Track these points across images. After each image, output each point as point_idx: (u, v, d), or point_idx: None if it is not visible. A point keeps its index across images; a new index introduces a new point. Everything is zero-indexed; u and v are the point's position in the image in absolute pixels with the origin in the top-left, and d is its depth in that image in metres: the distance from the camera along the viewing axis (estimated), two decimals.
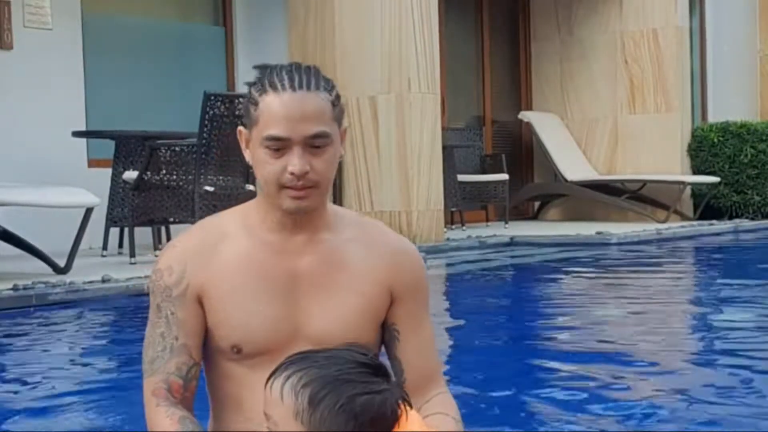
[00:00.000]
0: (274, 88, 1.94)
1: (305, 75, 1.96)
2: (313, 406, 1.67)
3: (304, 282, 2.03)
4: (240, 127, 2.02)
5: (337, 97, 1.99)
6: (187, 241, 2.05)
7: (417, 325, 2.09)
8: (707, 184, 11.40)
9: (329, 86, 1.98)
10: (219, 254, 2.02)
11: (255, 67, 2.03)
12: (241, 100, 6.87)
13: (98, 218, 6.78)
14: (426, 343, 2.10)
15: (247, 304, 2.01)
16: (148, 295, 2.07)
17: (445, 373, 3.28)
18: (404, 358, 2.09)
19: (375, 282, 2.05)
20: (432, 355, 2.13)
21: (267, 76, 1.96)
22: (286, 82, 1.94)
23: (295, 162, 1.93)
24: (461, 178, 10.13)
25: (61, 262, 6.03)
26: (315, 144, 1.94)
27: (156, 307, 2.01)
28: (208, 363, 2.06)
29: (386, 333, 2.08)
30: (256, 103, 1.95)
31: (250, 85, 1.99)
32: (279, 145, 1.93)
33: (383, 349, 2.10)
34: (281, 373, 1.72)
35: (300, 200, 1.96)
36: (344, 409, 1.66)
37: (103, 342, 4.52)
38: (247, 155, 2.01)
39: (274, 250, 2.02)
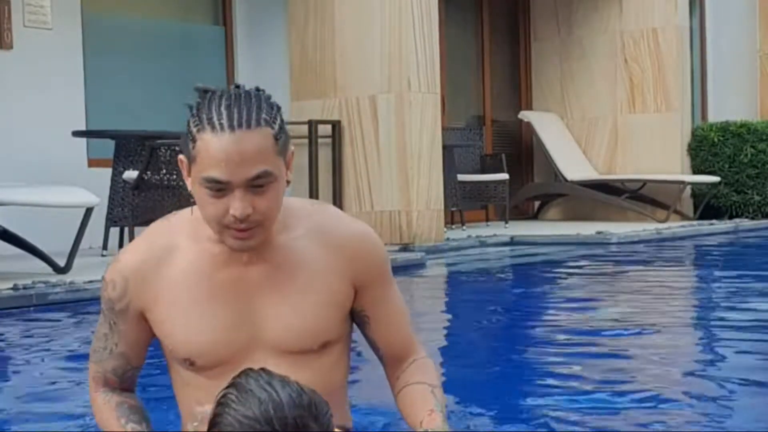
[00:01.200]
0: (212, 126, 1.84)
1: (245, 108, 1.86)
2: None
3: (258, 290, 1.99)
4: (180, 156, 1.94)
5: (281, 127, 1.90)
6: (132, 255, 2.02)
7: (384, 305, 2.10)
8: (707, 184, 11.40)
9: (271, 116, 1.88)
10: (163, 271, 2.00)
11: (195, 88, 1.94)
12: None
13: (98, 218, 6.78)
14: (396, 319, 2.11)
15: (193, 319, 1.98)
16: None
17: (443, 373, 3.28)
18: (377, 337, 2.11)
19: (335, 277, 2.02)
20: (404, 329, 2.14)
21: (205, 109, 1.87)
22: (225, 120, 1.84)
23: (236, 206, 1.86)
24: (461, 177, 10.12)
25: (61, 262, 6.03)
26: (257, 184, 1.87)
27: (102, 311, 2.05)
28: (170, 368, 2.09)
29: (356, 317, 2.09)
30: (194, 140, 1.86)
31: (190, 113, 1.90)
32: (219, 187, 1.86)
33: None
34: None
35: (244, 240, 1.91)
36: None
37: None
38: (189, 185, 1.93)
39: (222, 261, 1.98)
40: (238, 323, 1.98)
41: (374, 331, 2.10)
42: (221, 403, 1.66)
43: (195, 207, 1.98)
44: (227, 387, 1.69)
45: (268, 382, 1.66)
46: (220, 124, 1.84)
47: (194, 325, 1.98)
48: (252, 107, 1.87)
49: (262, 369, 1.73)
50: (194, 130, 1.87)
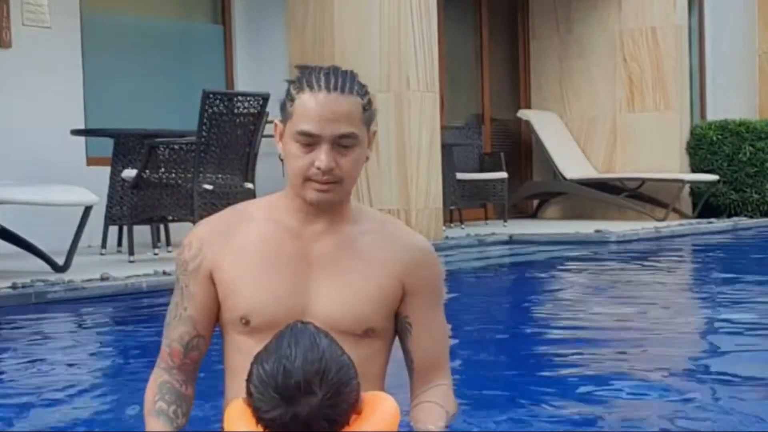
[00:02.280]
0: (310, 87, 2.09)
1: (341, 78, 2.10)
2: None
3: (317, 266, 2.16)
4: (276, 121, 2.17)
5: (369, 102, 2.14)
6: (213, 220, 2.23)
7: (428, 320, 2.22)
8: (706, 183, 11.41)
9: (362, 91, 2.12)
10: (238, 234, 2.18)
11: (297, 66, 2.19)
12: (239, 98, 6.88)
13: (97, 216, 6.78)
14: (436, 338, 2.23)
15: (257, 278, 2.14)
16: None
17: None
18: (413, 348, 2.22)
19: (388, 273, 2.18)
20: (440, 349, 2.27)
21: (306, 75, 2.11)
22: (323, 83, 2.08)
23: (322, 158, 2.07)
24: (460, 176, 10.12)
25: (60, 261, 6.03)
26: (343, 143, 2.08)
27: (177, 278, 2.21)
28: (223, 335, 2.21)
29: (399, 324, 2.21)
30: (292, 99, 2.11)
31: (290, 82, 2.13)
32: (309, 141, 2.07)
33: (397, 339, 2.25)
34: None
35: (322, 193, 2.10)
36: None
37: (102, 340, 4.52)
38: (280, 148, 2.16)
39: (292, 234, 2.17)
40: (295, 292, 2.14)
41: (413, 341, 2.22)
42: (258, 353, 1.81)
43: (272, 195, 2.22)
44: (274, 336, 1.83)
45: (297, 341, 1.77)
46: (318, 86, 2.08)
47: (256, 283, 2.14)
48: (347, 78, 2.11)
49: (309, 324, 1.90)
50: (294, 92, 2.11)
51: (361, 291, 2.15)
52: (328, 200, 2.12)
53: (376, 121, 2.14)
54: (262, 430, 1.73)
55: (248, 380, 1.75)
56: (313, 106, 2.07)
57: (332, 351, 1.75)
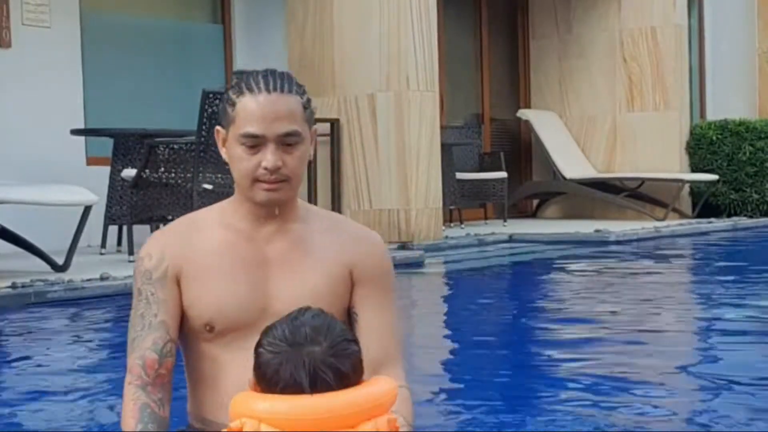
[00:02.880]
0: (250, 90, 2.13)
1: (279, 79, 2.16)
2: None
3: (273, 266, 2.20)
4: (218, 127, 2.20)
5: (308, 101, 2.19)
6: (167, 231, 2.25)
7: (377, 310, 2.21)
8: (706, 182, 11.41)
9: (301, 90, 2.18)
10: (195, 242, 2.21)
11: (234, 73, 2.21)
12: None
13: (97, 216, 6.78)
14: (384, 330, 2.19)
15: (219, 283, 2.17)
16: None
17: (443, 371, 3.28)
18: (362, 341, 2.08)
19: (338, 264, 2.21)
20: (388, 343, 2.22)
21: (244, 79, 2.15)
22: (262, 85, 2.13)
23: (269, 158, 2.11)
24: (460, 176, 10.12)
25: (60, 260, 6.03)
26: (287, 142, 2.13)
27: (137, 291, 2.18)
28: (185, 346, 2.21)
29: (347, 316, 2.22)
30: (233, 104, 2.14)
31: (228, 88, 2.18)
32: (254, 142, 2.11)
33: None
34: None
35: (272, 192, 2.14)
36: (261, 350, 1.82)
37: (102, 339, 4.52)
38: (224, 153, 2.19)
39: (245, 238, 2.20)
40: (255, 294, 2.17)
41: (360, 333, 2.16)
42: (268, 326, 1.87)
43: (218, 203, 2.26)
44: None
45: (305, 311, 1.86)
46: (258, 88, 2.13)
47: (218, 289, 2.17)
48: (285, 79, 2.17)
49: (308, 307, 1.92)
50: (234, 96, 2.15)
51: (317, 288, 2.18)
52: (278, 199, 2.16)
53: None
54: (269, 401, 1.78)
55: (257, 348, 1.84)
56: (255, 108, 2.11)
57: (334, 319, 1.87)
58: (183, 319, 2.19)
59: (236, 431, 1.73)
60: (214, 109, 6.61)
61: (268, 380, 1.79)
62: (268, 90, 2.13)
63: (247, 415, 1.74)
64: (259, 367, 1.82)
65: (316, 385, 1.75)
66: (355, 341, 1.86)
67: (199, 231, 2.23)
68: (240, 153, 2.13)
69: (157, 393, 2.11)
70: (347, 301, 2.21)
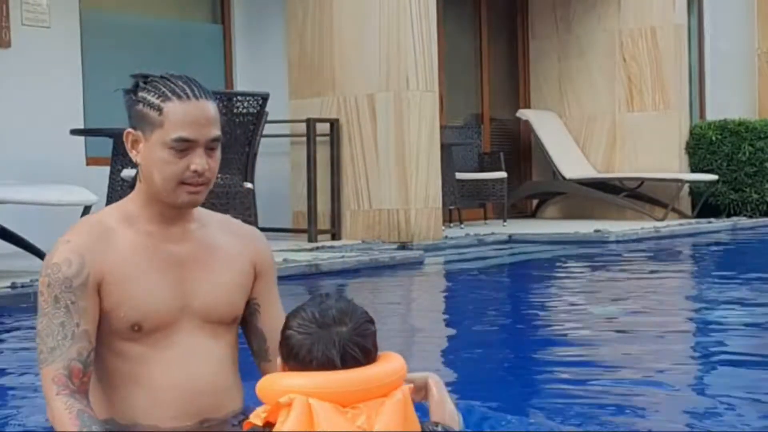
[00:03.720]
0: (178, 96, 2.19)
1: (196, 85, 2.23)
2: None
3: (186, 266, 2.28)
4: (129, 130, 2.27)
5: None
6: (78, 235, 2.23)
7: (274, 299, 2.40)
8: (705, 182, 11.41)
9: (214, 96, 2.28)
10: (110, 245, 2.23)
11: (133, 75, 2.31)
12: (239, 97, 6.88)
13: None
14: (281, 316, 2.23)
15: (143, 285, 2.22)
16: None
17: (443, 371, 3.27)
18: (266, 328, 2.36)
19: (244, 260, 2.35)
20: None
21: (162, 85, 2.21)
22: (188, 91, 2.20)
23: (198, 161, 2.19)
24: (459, 176, 10.13)
25: None
26: (212, 146, 2.22)
27: (54, 298, 2.14)
28: (105, 351, 2.23)
29: (247, 309, 2.37)
30: (158, 108, 2.19)
31: (135, 91, 2.25)
32: (185, 146, 2.18)
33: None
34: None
35: (194, 195, 2.23)
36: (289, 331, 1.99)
37: None
38: (135, 155, 2.26)
39: (156, 240, 2.27)
40: (174, 292, 2.25)
41: (263, 321, 2.36)
42: (292, 311, 2.02)
43: (116, 203, 2.34)
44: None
45: (329, 296, 2.03)
46: (186, 94, 2.19)
47: (144, 292, 2.22)
48: (201, 85, 2.24)
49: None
50: (158, 101, 2.19)
51: (229, 283, 2.31)
52: (198, 202, 2.25)
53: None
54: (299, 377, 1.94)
55: (285, 331, 1.99)
56: (186, 113, 2.18)
57: (353, 302, 2.03)
58: (102, 321, 2.20)
59: (286, 405, 1.88)
60: None
61: (300, 359, 1.95)
62: (196, 96, 2.19)
63: (289, 392, 1.88)
64: (290, 348, 1.97)
65: (346, 361, 1.93)
66: (372, 322, 2.01)
67: (110, 235, 2.24)
68: (167, 157, 2.19)
69: (84, 400, 2.12)
70: (249, 293, 2.36)
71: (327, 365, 1.93)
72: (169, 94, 2.19)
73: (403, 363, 2.01)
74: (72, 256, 2.18)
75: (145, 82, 2.23)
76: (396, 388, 1.96)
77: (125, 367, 2.22)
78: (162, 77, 2.23)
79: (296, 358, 1.96)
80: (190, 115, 2.18)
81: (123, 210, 2.30)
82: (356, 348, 1.95)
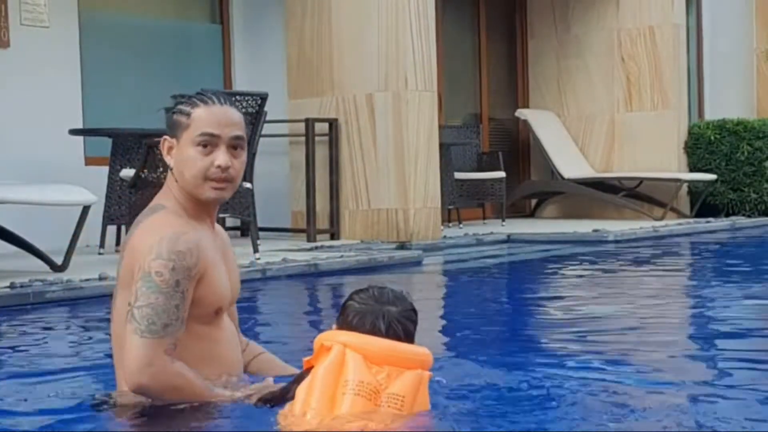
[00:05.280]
0: (205, 102, 2.52)
1: (224, 96, 2.56)
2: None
3: (226, 255, 2.67)
4: (164, 137, 2.58)
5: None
6: (188, 229, 2.52)
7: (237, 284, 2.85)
8: (704, 182, 11.41)
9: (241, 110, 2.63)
10: (200, 239, 2.53)
11: (173, 96, 2.85)
12: (237, 97, 6.88)
13: (95, 216, 6.78)
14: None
15: (220, 274, 2.58)
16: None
17: (442, 371, 3.27)
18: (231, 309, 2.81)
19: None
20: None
21: (195, 97, 2.56)
22: (214, 98, 2.52)
23: (222, 158, 2.47)
24: (458, 175, 10.13)
25: (59, 260, 6.03)
26: (235, 145, 2.50)
27: (175, 282, 2.43)
28: (189, 333, 2.53)
29: None
30: (188, 114, 2.52)
31: (177, 104, 2.58)
32: (209, 141, 2.47)
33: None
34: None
35: (219, 191, 2.50)
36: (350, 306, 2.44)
37: (100, 339, 4.52)
38: (169, 160, 2.56)
39: (208, 235, 2.59)
40: (227, 279, 2.64)
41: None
42: (351, 294, 2.47)
43: (161, 207, 2.56)
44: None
45: (383, 284, 2.53)
46: (211, 100, 2.52)
47: (220, 279, 2.58)
48: (229, 97, 2.59)
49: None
50: (187, 108, 2.52)
51: (237, 269, 2.75)
52: (223, 198, 2.52)
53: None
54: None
55: (346, 306, 2.43)
56: (210, 114, 2.50)
57: (409, 300, 2.51)
58: (197, 304, 2.54)
59: (327, 348, 2.36)
60: None
61: (353, 325, 2.39)
62: (221, 102, 2.51)
63: (335, 342, 2.35)
64: (347, 316, 2.42)
65: (389, 335, 2.38)
66: (416, 313, 2.47)
67: (191, 229, 2.52)
68: (194, 154, 2.48)
69: None
70: None
71: (373, 333, 2.37)
72: (198, 102, 2.51)
73: (431, 355, 2.44)
74: (193, 248, 2.46)
75: (181, 99, 2.57)
76: (418, 368, 2.37)
77: (200, 346, 2.53)
78: (197, 92, 2.56)
79: (350, 324, 2.39)
80: (215, 115, 2.49)
81: (174, 210, 2.53)
82: (399, 326, 2.40)
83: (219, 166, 2.45)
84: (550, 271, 7.35)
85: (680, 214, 11.43)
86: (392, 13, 8.33)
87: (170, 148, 2.54)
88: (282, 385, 2.51)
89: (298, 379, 2.42)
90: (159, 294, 2.40)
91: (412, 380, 2.34)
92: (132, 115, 8.51)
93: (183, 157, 2.48)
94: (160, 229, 2.47)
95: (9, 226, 6.26)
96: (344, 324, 2.41)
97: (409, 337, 2.42)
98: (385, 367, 2.34)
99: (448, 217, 10.19)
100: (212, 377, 2.55)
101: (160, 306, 2.40)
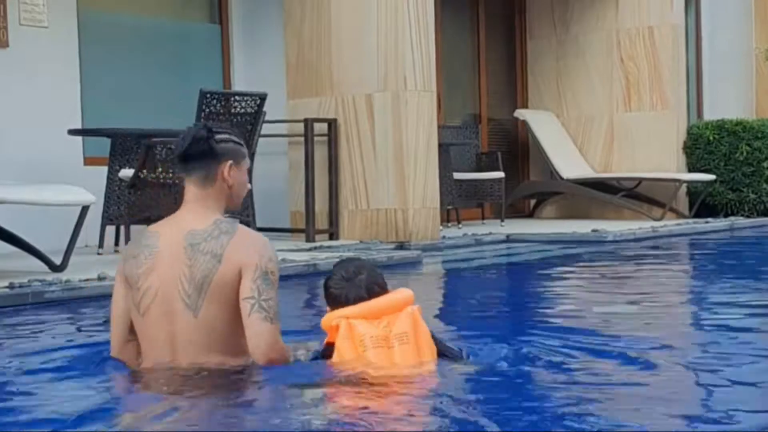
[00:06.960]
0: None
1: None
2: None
3: None
4: (230, 161, 3.14)
5: None
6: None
7: None
8: (703, 182, 11.42)
9: None
10: None
11: (196, 125, 3.22)
12: (236, 97, 6.88)
13: (94, 216, 6.78)
14: None
15: None
16: None
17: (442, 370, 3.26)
18: None
19: None
20: None
21: (230, 130, 3.30)
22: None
23: (248, 182, 3.27)
24: (457, 176, 10.13)
25: (57, 260, 6.03)
26: None
27: (277, 283, 3.06)
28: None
29: None
30: (242, 144, 3.26)
31: (211, 134, 3.14)
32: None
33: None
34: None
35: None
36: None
37: (100, 340, 4.51)
38: (228, 179, 3.13)
39: None
40: None
41: None
42: (330, 275, 3.21)
43: (212, 211, 3.18)
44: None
45: (342, 259, 3.37)
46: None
47: None
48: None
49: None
50: (239, 139, 3.26)
51: None
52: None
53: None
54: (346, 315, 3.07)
55: (329, 294, 3.16)
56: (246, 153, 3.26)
57: (366, 261, 3.32)
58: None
59: (336, 326, 3.03)
60: (211, 109, 6.61)
61: (342, 302, 3.09)
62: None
63: (339, 318, 3.02)
64: (335, 298, 3.13)
65: (371, 295, 3.10)
66: (376, 266, 3.34)
67: None
68: (246, 179, 3.21)
69: None
70: None
71: (359, 301, 3.08)
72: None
73: (410, 292, 3.17)
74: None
75: (215, 129, 3.15)
76: (405, 307, 3.09)
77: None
78: (225, 126, 3.48)
79: (338, 303, 3.10)
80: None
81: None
82: (375, 285, 3.14)
83: (249, 188, 3.27)
84: (549, 271, 7.35)
85: (679, 215, 11.44)
86: (391, 14, 8.33)
87: (231, 168, 3.13)
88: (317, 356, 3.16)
89: (325, 355, 3.07)
90: (274, 289, 3.03)
91: (407, 319, 3.08)
92: (131, 115, 8.51)
93: (242, 180, 3.17)
94: (256, 236, 3.11)
95: (8, 226, 6.26)
96: (336, 304, 3.10)
97: (384, 289, 3.15)
98: (384, 318, 3.05)
99: (447, 218, 10.19)
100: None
101: (276, 299, 3.03)
